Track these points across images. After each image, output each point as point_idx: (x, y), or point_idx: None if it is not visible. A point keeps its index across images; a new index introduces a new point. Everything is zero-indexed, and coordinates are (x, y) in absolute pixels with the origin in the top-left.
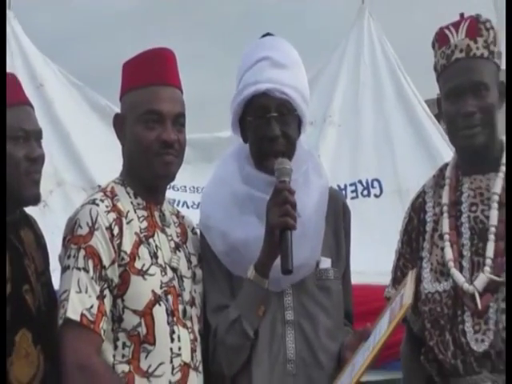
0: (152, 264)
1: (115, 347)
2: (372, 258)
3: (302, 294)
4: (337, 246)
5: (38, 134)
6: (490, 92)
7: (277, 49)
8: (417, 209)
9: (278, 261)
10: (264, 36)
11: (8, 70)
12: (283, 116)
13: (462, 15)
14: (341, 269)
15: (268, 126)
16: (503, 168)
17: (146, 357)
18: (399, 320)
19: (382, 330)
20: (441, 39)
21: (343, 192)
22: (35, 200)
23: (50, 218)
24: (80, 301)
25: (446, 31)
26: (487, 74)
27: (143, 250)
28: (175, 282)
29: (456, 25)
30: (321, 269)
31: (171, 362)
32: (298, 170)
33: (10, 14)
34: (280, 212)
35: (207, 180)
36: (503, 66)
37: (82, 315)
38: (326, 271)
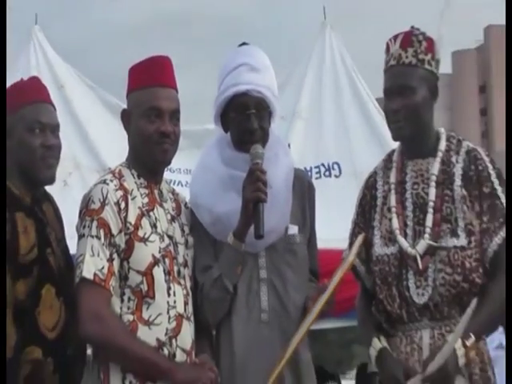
0: (152, 233)
1: (122, 301)
2: (333, 228)
3: (274, 256)
4: (303, 217)
5: (55, 127)
6: (415, 93)
7: (252, 56)
8: (369, 186)
9: (252, 228)
10: (241, 45)
11: (34, 74)
12: (260, 112)
13: (412, 27)
14: (306, 235)
15: (248, 120)
16: (440, 153)
17: (147, 309)
18: (343, 272)
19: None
20: (386, 48)
21: (309, 173)
22: (50, 180)
23: (69, 195)
24: (93, 263)
25: (389, 42)
26: (414, 78)
27: (145, 221)
28: (171, 248)
29: (396, 36)
30: (289, 234)
31: (168, 312)
32: (269, 152)
33: (36, 27)
34: (253, 188)
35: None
36: (447, 70)
37: (95, 275)
38: (293, 236)
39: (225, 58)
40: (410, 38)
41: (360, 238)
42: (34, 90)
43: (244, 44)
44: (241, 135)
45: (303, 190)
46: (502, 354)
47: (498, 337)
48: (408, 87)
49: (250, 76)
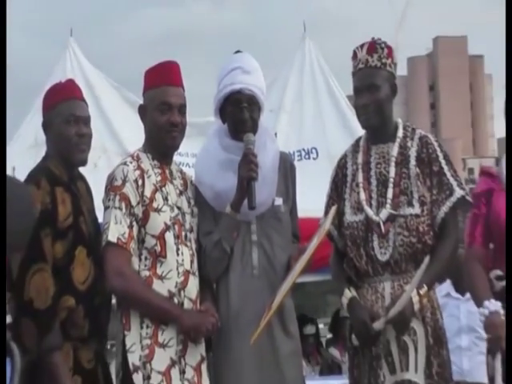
0: (164, 204)
1: (140, 260)
2: (311, 200)
3: (263, 223)
4: (286, 191)
5: (86, 119)
6: (380, 90)
7: (244, 61)
8: (341, 166)
9: (246, 201)
10: (236, 52)
11: (69, 77)
12: (251, 106)
13: (372, 38)
14: (289, 205)
15: (241, 112)
16: (398, 139)
17: (160, 266)
18: (320, 237)
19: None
20: (353, 55)
21: (292, 156)
22: (82, 163)
23: (98, 174)
24: (116, 229)
25: (356, 50)
26: (378, 78)
27: (158, 195)
28: (179, 217)
29: (362, 45)
30: (275, 205)
31: (177, 269)
32: (259, 140)
33: (71, 39)
34: (247, 169)
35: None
36: (403, 73)
37: (118, 239)
38: (278, 207)
39: (223, 62)
40: (374, 46)
41: (333, 209)
42: (70, 89)
43: (238, 52)
44: (235, 125)
45: (287, 169)
46: (448, 301)
47: (445, 287)
48: (374, 85)
49: (243, 77)
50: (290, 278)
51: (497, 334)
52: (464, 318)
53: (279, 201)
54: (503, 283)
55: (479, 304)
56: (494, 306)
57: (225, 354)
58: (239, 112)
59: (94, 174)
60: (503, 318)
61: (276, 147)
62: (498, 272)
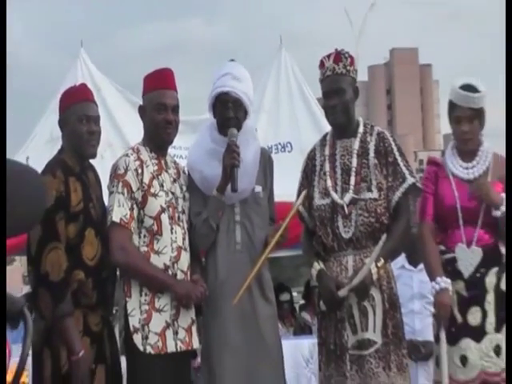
0: (160, 190)
1: (139, 237)
2: (285, 187)
3: (245, 206)
4: (265, 180)
5: (96, 119)
6: (346, 93)
7: (235, 68)
8: (310, 158)
9: (229, 186)
10: (230, 61)
11: (80, 82)
12: (235, 107)
13: (336, 50)
14: (267, 192)
15: (227, 110)
16: (359, 135)
17: (157, 243)
18: (291, 217)
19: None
20: (321, 64)
21: (270, 149)
22: (92, 156)
23: (104, 165)
24: (119, 211)
25: (323, 59)
26: (344, 83)
27: (155, 182)
28: (173, 201)
29: (329, 55)
30: (255, 192)
31: (171, 245)
32: (242, 136)
33: (82, 49)
34: (229, 157)
35: (192, 143)
36: (364, 78)
37: (121, 219)
38: (258, 193)
39: (217, 68)
40: (339, 56)
41: (303, 193)
42: (83, 92)
43: (232, 60)
44: (222, 121)
45: (266, 162)
46: (403, 272)
47: (400, 260)
48: (341, 89)
49: (232, 82)
50: (266, 251)
51: (443, 313)
52: (416, 287)
53: (259, 188)
54: (445, 256)
55: (432, 278)
56: (445, 283)
57: (213, 317)
58: (225, 110)
59: (101, 164)
60: (451, 294)
61: (257, 144)
62: (441, 247)
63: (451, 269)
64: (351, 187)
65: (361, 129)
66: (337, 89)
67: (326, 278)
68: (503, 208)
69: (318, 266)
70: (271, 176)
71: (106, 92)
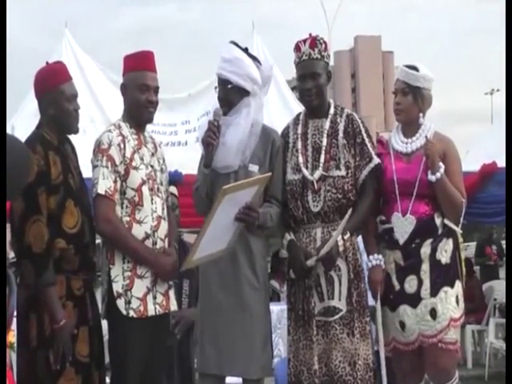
0: (141, 163)
1: (122, 208)
2: None
3: (238, 179)
4: (264, 159)
5: (77, 96)
6: (320, 77)
7: (225, 50)
8: (283, 135)
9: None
10: (230, 42)
11: (64, 60)
12: (225, 88)
13: (310, 35)
14: (265, 171)
15: (219, 92)
16: (329, 116)
17: (138, 213)
18: (261, 184)
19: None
20: (297, 48)
21: None
22: (76, 131)
23: (87, 140)
24: (104, 183)
25: (299, 44)
26: (319, 67)
27: (136, 156)
28: (153, 173)
29: (304, 40)
30: (249, 170)
31: (152, 215)
32: (232, 115)
33: (66, 30)
34: (206, 135)
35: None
36: (331, 63)
37: (105, 191)
38: (253, 172)
39: (222, 49)
40: (315, 41)
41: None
42: (67, 71)
43: (232, 42)
44: (217, 100)
45: (268, 141)
46: None
47: None
48: (317, 73)
49: (221, 64)
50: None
51: (374, 288)
52: None
53: (253, 167)
54: (384, 226)
55: (367, 255)
56: (376, 260)
57: (201, 280)
58: (219, 91)
59: (84, 139)
60: (383, 268)
61: (250, 123)
62: (382, 217)
63: (389, 238)
64: (321, 165)
65: (331, 110)
66: (312, 73)
67: (296, 248)
68: (438, 174)
69: (288, 236)
70: (276, 156)
71: (88, 70)
